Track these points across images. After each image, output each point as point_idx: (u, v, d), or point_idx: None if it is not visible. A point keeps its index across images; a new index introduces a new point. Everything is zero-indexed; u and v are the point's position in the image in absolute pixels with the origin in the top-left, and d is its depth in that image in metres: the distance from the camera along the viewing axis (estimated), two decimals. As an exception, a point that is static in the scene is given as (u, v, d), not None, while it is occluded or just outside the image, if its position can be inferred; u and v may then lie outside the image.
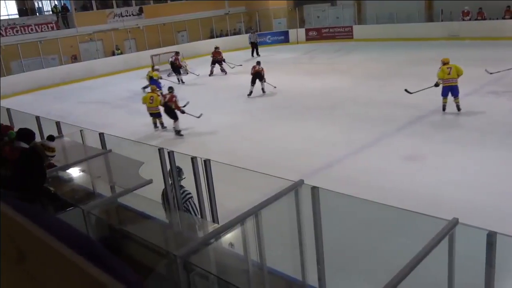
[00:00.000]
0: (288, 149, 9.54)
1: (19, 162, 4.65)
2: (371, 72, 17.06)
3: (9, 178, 4.57)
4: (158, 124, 12.20)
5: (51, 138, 5.22)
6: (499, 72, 12.71)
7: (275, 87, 15.38)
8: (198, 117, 12.08)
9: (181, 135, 11.42)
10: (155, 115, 12.05)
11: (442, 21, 23.77)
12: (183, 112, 11.66)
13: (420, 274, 3.20)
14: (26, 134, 5.78)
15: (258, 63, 15.47)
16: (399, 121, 10.64)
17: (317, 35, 27.61)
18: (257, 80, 14.97)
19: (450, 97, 10.84)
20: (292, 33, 28.22)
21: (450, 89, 10.79)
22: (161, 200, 5.28)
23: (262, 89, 15.16)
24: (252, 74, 15.01)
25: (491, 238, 2.84)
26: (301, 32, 27.89)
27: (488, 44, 20.03)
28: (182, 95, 16.33)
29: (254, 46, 24.44)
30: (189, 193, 5.01)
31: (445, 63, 10.96)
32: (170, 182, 5.00)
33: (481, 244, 2.91)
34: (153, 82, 15.82)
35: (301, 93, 14.77)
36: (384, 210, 4.33)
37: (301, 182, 3.91)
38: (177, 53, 20.16)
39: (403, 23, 24.30)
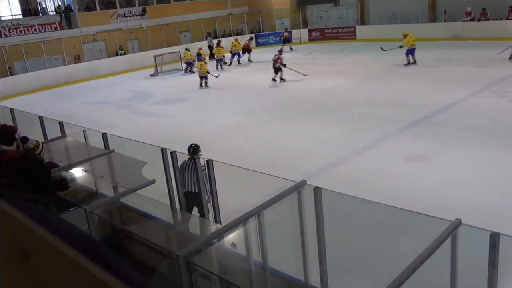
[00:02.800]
0: (290, 150, 9.53)
1: (18, 171, 4.62)
2: (374, 73, 17.04)
3: (9, 183, 4.55)
4: (203, 84, 17.40)
5: (24, 140, 4.82)
6: (391, 49, 17.90)
7: (305, 74, 16.95)
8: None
9: (284, 79, 16.72)
10: (203, 77, 17.41)
11: (445, 21, 23.70)
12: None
13: (423, 275, 3.19)
14: (5, 136, 5.68)
15: (280, 51, 17.33)
16: (402, 121, 10.62)
17: (320, 35, 27.59)
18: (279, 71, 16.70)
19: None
20: (295, 33, 28.20)
21: (411, 51, 17.24)
22: (179, 171, 5.61)
23: (280, 78, 16.75)
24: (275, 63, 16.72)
25: (494, 239, 2.84)
26: (304, 32, 27.87)
27: (491, 45, 19.96)
28: (181, 94, 16.39)
29: (211, 49, 24.70)
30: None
31: (406, 35, 17.36)
32: (188, 157, 6.02)
33: (484, 245, 2.90)
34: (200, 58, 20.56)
35: (303, 94, 14.77)
36: (386, 210, 4.32)
37: (303, 182, 3.91)
38: (219, 42, 22.90)
39: (406, 23, 24.21)
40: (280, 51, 17.49)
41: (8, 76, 20.72)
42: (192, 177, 5.87)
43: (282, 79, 16.75)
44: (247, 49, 23.13)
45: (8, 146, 5.45)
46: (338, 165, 8.55)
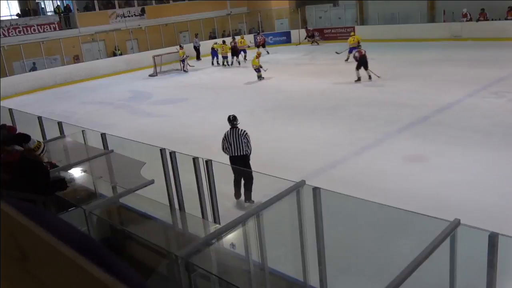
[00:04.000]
0: (289, 150, 9.53)
1: (18, 171, 4.61)
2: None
3: (9, 182, 4.55)
4: (258, 77, 17.46)
5: (26, 139, 4.85)
6: (344, 51, 20.08)
7: (379, 76, 15.43)
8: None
9: (371, 76, 15.34)
10: (256, 71, 17.54)
11: (444, 21, 23.72)
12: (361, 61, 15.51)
13: (422, 275, 3.19)
14: (20, 138, 5.71)
15: (358, 46, 15.90)
16: (401, 121, 10.62)
17: (319, 35, 27.59)
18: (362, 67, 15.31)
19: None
20: (294, 33, 28.20)
21: (354, 48, 18.05)
22: (223, 140, 7.08)
23: (369, 76, 15.35)
24: (358, 58, 15.39)
25: (493, 239, 2.84)
26: (303, 32, 27.87)
27: (490, 45, 20.00)
28: (180, 94, 16.40)
29: (197, 51, 24.90)
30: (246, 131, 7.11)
31: (352, 35, 20.57)
32: (229, 127, 7.16)
33: (483, 245, 2.91)
34: (214, 52, 22.89)
35: (303, 94, 14.77)
36: (386, 211, 4.32)
37: (302, 182, 3.91)
38: (233, 38, 23.31)
39: (405, 24, 24.27)
40: (359, 44, 16.14)
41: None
42: (238, 142, 6.93)
43: (370, 77, 15.37)
44: (261, 44, 24.42)
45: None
46: (337, 165, 8.55)
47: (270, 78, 17.40)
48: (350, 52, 19.42)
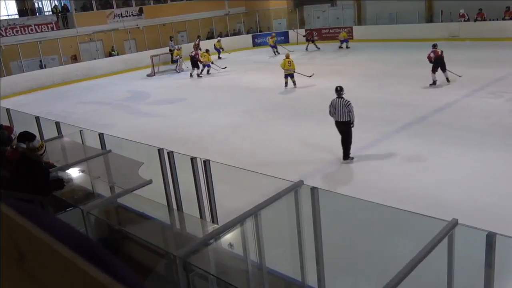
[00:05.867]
0: (288, 150, 9.53)
1: (18, 170, 4.61)
2: (371, 73, 17.05)
3: (9, 179, 4.55)
4: (290, 82, 15.51)
5: (30, 138, 4.72)
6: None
7: (460, 76, 14.19)
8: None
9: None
10: (290, 76, 15.52)
11: (442, 21, 23.76)
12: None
13: (420, 275, 3.20)
14: (26, 136, 5.73)
15: (434, 46, 13.79)
16: (399, 121, 10.64)
17: (317, 35, 27.59)
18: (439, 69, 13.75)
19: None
20: (292, 33, 28.20)
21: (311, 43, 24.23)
22: (330, 106, 8.52)
23: (447, 78, 13.93)
24: (433, 59, 13.69)
25: (490, 239, 2.85)
26: (301, 32, 27.87)
27: (488, 45, 20.05)
28: (178, 94, 16.39)
29: (172, 54, 23.49)
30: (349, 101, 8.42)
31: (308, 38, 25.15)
32: (336, 96, 8.57)
33: (480, 245, 2.91)
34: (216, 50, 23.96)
35: (301, 94, 14.77)
36: (383, 210, 4.33)
37: (300, 182, 3.91)
38: (197, 47, 20.88)
39: (403, 24, 24.30)
40: (435, 45, 13.84)
41: (4, 76, 20.97)
42: (341, 110, 8.27)
43: (448, 80, 13.95)
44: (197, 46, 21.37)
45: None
46: (335, 165, 8.56)
47: (269, 78, 17.40)
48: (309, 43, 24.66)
